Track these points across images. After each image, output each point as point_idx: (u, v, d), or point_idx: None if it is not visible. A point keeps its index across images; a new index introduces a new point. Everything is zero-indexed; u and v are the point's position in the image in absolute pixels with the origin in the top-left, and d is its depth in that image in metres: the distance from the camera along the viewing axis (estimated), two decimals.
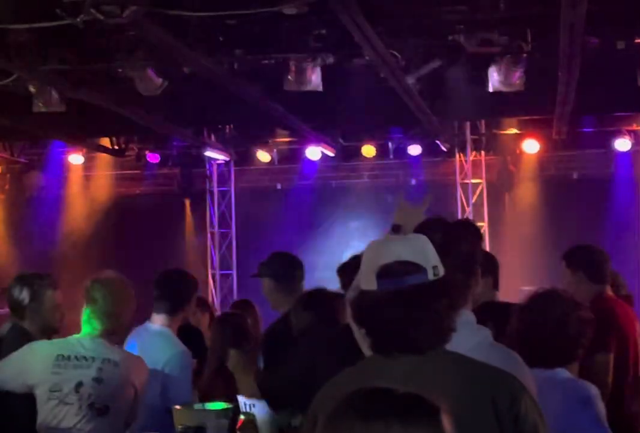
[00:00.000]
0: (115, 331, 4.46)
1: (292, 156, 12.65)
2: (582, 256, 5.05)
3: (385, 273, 2.46)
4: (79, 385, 4.27)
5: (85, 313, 4.46)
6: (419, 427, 1.69)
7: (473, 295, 3.01)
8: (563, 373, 3.40)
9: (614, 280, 5.31)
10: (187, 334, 5.51)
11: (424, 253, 2.49)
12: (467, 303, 2.92)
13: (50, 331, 4.87)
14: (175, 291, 5.16)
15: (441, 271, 2.49)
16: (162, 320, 5.10)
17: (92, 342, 4.38)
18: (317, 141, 11.91)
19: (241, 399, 4.17)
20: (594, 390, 3.37)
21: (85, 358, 4.33)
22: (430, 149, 12.16)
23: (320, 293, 4.73)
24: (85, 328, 4.43)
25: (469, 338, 2.68)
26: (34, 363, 4.36)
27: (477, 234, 3.25)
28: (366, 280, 2.49)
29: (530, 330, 3.52)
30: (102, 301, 4.40)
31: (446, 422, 1.73)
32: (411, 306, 2.43)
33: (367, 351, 2.59)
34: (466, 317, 2.81)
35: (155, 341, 4.98)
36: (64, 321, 5.10)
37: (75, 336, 4.45)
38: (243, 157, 12.81)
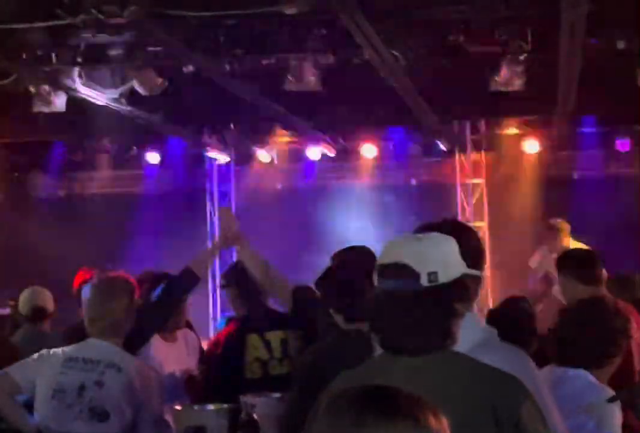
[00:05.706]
0: (115, 331, 4.36)
1: (292, 156, 12.63)
2: (571, 259, 5.20)
3: (383, 273, 2.46)
4: (82, 387, 4.23)
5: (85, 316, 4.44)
6: (407, 426, 1.68)
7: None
8: (585, 375, 3.40)
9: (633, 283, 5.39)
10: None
11: (425, 257, 2.41)
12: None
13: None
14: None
15: (441, 277, 2.40)
16: None
17: (101, 345, 4.33)
18: (317, 141, 11.90)
19: (242, 399, 4.17)
20: (607, 395, 3.35)
21: (92, 361, 4.27)
22: (430, 149, 12.16)
23: None
24: (89, 332, 4.39)
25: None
26: (44, 363, 4.32)
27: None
28: (375, 276, 2.51)
29: (563, 328, 3.56)
30: (93, 303, 4.38)
31: (440, 423, 1.72)
32: (402, 310, 2.41)
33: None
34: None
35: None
36: None
37: (89, 339, 4.39)
38: (243, 157, 12.80)
